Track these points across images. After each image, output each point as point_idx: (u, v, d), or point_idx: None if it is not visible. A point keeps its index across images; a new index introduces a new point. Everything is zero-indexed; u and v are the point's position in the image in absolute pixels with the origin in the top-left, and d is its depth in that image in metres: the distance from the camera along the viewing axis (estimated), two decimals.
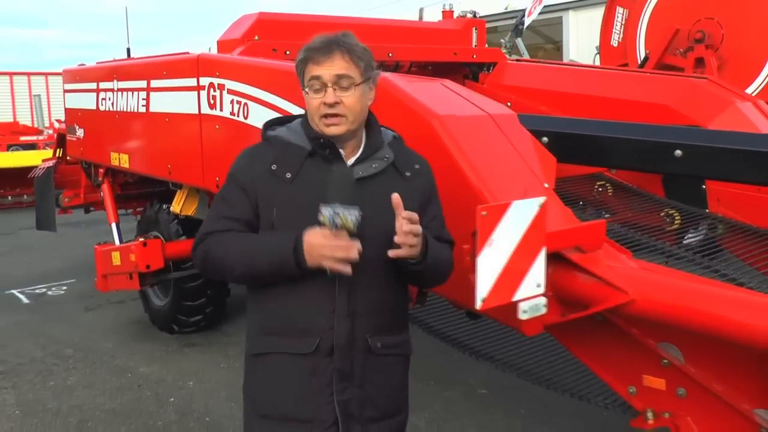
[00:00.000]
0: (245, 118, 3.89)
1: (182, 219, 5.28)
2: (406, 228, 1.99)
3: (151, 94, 4.94)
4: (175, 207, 5.16)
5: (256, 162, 2.20)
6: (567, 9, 13.95)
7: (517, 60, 6.01)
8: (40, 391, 4.83)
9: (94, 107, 5.83)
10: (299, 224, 2.05)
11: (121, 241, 5.70)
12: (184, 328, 5.76)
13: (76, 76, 6.30)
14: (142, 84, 5.04)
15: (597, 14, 9.23)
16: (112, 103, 5.51)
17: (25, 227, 9.91)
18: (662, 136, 2.95)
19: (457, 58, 5.39)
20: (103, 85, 5.71)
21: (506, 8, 14.33)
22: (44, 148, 14.40)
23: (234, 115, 4.00)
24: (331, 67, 2.08)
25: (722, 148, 2.87)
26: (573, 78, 5.02)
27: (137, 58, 5.88)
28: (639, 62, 8.42)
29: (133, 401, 4.61)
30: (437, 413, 4.26)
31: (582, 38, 13.03)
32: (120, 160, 5.48)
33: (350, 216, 1.95)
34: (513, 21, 11.24)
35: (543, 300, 2.30)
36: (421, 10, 9.45)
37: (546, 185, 2.80)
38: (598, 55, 9.37)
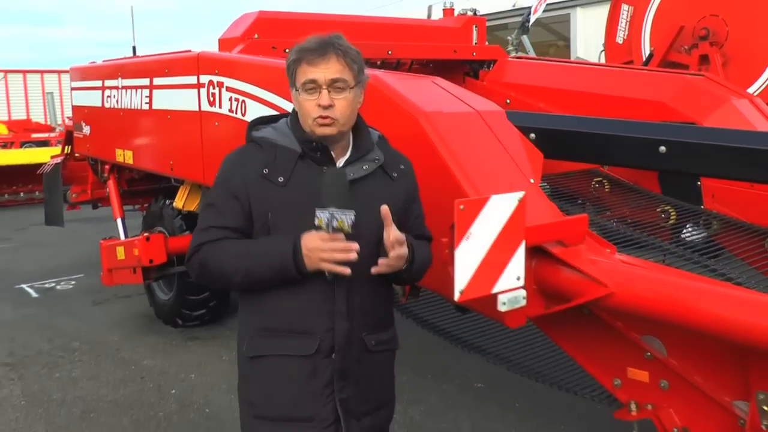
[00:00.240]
0: (243, 115, 3.97)
1: (185, 214, 5.37)
2: (394, 254, 2.06)
3: (154, 91, 5.02)
4: (178, 203, 5.26)
5: (246, 166, 2.17)
6: (575, 6, 13.93)
7: (518, 57, 6.04)
8: (45, 383, 4.93)
9: (100, 104, 5.93)
10: (295, 228, 2.07)
11: (126, 236, 5.80)
12: (188, 321, 5.84)
13: (82, 74, 6.41)
14: (146, 82, 5.12)
15: (604, 11, 9.22)
16: (117, 101, 5.60)
17: (36, 223, 10.04)
18: (646, 133, 2.99)
19: (456, 55, 5.44)
20: (108, 82, 5.81)
21: (514, 5, 14.33)
22: (56, 145, 14.54)
23: (232, 112, 4.08)
24: (326, 70, 2.08)
25: (706, 144, 2.90)
26: (571, 75, 5.05)
27: (141, 56, 5.97)
28: (644, 59, 8.43)
29: (136, 392, 4.71)
30: (433, 406, 4.32)
31: (589, 35, 13.01)
32: (125, 156, 5.57)
33: (346, 218, 1.98)
34: (521, 18, 11.25)
35: (522, 292, 2.35)
36: (429, 8, 9.49)
37: (532, 181, 2.85)
38: (603, 53, 9.39)
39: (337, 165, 2.17)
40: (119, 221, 5.98)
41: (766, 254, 3.51)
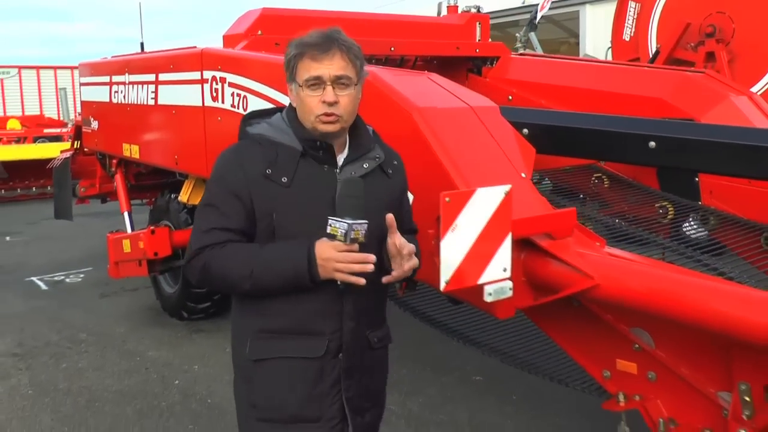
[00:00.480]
0: (245, 110, 4.03)
1: (190, 208, 5.45)
2: (409, 266, 2.08)
3: (160, 87, 5.10)
4: (183, 197, 5.33)
5: (246, 165, 2.10)
6: (584, 3, 13.92)
7: (521, 54, 6.08)
8: (52, 373, 5.03)
9: (108, 100, 6.02)
10: (299, 229, 2.05)
11: (132, 230, 5.89)
12: (193, 314, 5.92)
13: (91, 69, 6.50)
14: (151, 77, 5.20)
15: (613, 8, 9.24)
16: (124, 96, 5.69)
17: (48, 218, 10.14)
18: (636, 128, 3.03)
19: (459, 52, 5.48)
20: (116, 78, 5.89)
21: (523, 2, 14.34)
22: (69, 140, 14.70)
23: (234, 107, 4.14)
24: (330, 66, 2.04)
25: (695, 139, 2.94)
26: (573, 72, 5.08)
27: (147, 52, 6.06)
28: (650, 56, 8.44)
29: (140, 383, 4.79)
30: (431, 398, 4.38)
31: (599, 32, 13.00)
32: (131, 151, 5.66)
33: (362, 229, 1.95)
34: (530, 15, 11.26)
35: (509, 283, 2.39)
36: (439, 5, 9.52)
37: (523, 175, 2.89)
38: (610, 50, 9.40)
39: (338, 162, 2.14)
40: (126, 215, 6.07)
41: (762, 250, 3.54)
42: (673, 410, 2.70)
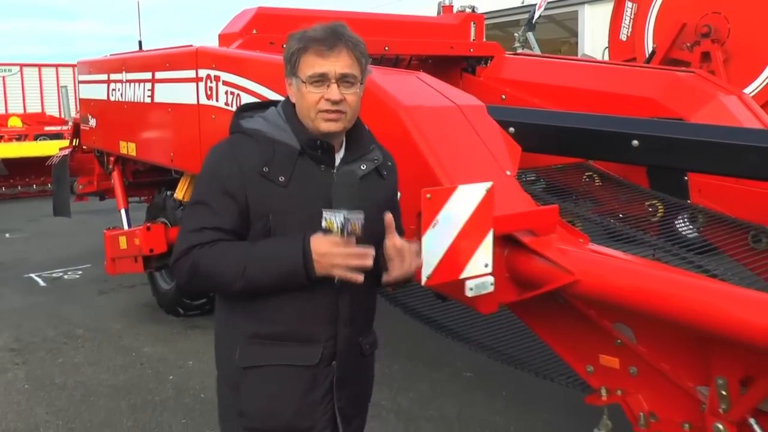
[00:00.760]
0: None
1: (186, 205, 5.50)
2: (414, 265, 2.04)
3: (156, 85, 5.15)
4: (179, 194, 5.39)
5: (241, 162, 1.99)
6: (583, 3, 13.96)
7: (515, 54, 6.12)
8: (49, 368, 5.09)
9: (105, 98, 6.08)
10: (297, 230, 1.95)
11: (129, 227, 5.94)
12: (189, 311, 5.98)
13: (89, 67, 6.55)
14: (148, 75, 5.26)
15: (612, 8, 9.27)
16: (121, 94, 5.74)
17: (48, 215, 10.18)
18: (620, 127, 3.08)
19: (453, 51, 5.52)
20: (113, 76, 5.95)
21: (522, 2, 14.38)
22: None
23: (228, 105, 4.19)
24: (336, 63, 1.95)
25: (677, 138, 2.98)
26: (566, 72, 5.12)
27: (144, 51, 6.11)
28: (647, 56, 8.48)
29: (135, 378, 4.85)
30: (422, 393, 4.43)
31: (597, 32, 13.03)
32: (128, 148, 5.71)
33: (359, 221, 1.87)
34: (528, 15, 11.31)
35: (490, 279, 2.44)
36: (439, 5, 9.56)
37: (508, 173, 2.94)
38: (607, 49, 9.43)
39: (335, 162, 2.07)
40: (123, 212, 6.13)
41: (748, 248, 3.59)
42: (653, 404, 2.74)
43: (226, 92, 4.21)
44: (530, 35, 10.35)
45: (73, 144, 7.42)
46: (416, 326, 4.11)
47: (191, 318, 5.98)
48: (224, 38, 4.76)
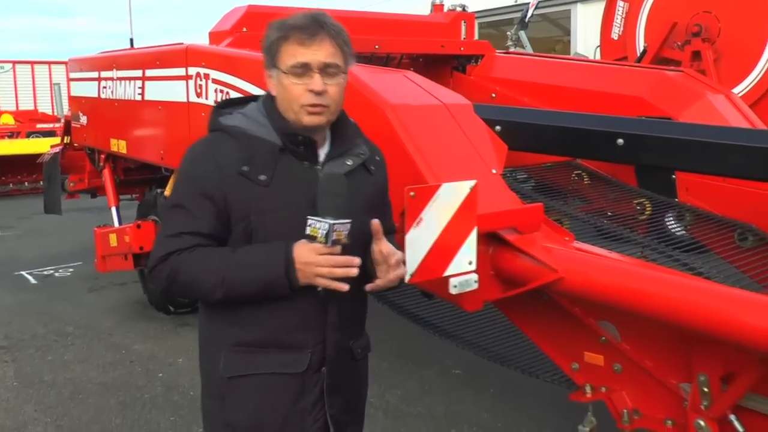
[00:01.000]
0: None
1: None
2: (394, 275, 1.96)
3: (146, 83, 5.16)
4: (169, 191, 5.39)
5: (219, 161, 1.90)
6: (576, 2, 13.99)
7: (505, 53, 6.13)
8: (38, 365, 5.09)
9: (96, 95, 6.07)
10: (280, 231, 1.88)
11: (120, 224, 5.94)
12: (180, 308, 5.98)
13: (80, 65, 6.55)
14: (138, 73, 5.26)
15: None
16: (112, 91, 5.75)
17: (39, 212, 10.18)
18: (605, 126, 3.10)
19: (444, 50, 5.53)
20: (104, 74, 5.95)
21: (515, 1, 14.41)
22: None
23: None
24: (318, 52, 1.87)
25: (662, 137, 3.00)
26: (556, 71, 5.15)
27: (135, 48, 6.11)
28: (638, 55, 8.51)
29: (124, 375, 4.86)
30: (410, 391, 4.45)
31: (590, 31, 13.06)
32: (119, 146, 5.72)
33: (345, 230, 1.79)
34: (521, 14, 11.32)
35: (474, 276, 2.45)
36: (432, 3, 9.58)
37: (494, 171, 2.95)
38: (599, 48, 9.46)
39: (319, 158, 1.99)
40: (113, 209, 6.14)
41: (735, 246, 3.61)
42: (637, 401, 2.76)
43: (216, 90, 4.21)
44: (522, 34, 10.36)
45: (65, 141, 7.42)
46: (406, 324, 4.12)
47: (181, 315, 5.98)
48: (214, 36, 4.77)
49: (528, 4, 10.87)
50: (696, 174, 3.79)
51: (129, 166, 6.56)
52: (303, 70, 1.88)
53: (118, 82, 5.64)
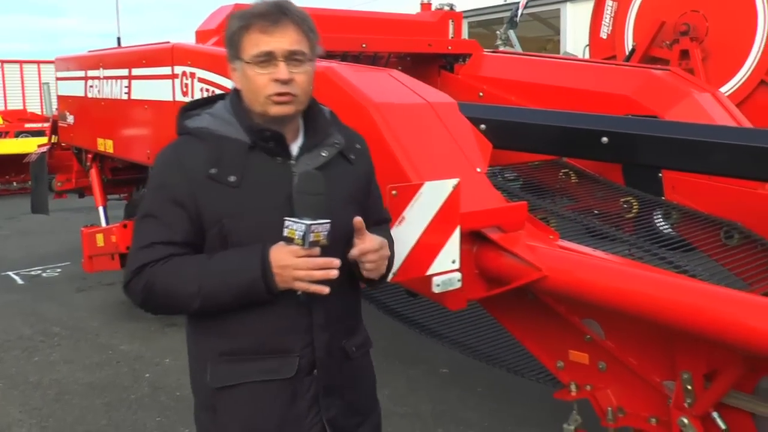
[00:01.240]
0: None
1: None
2: (370, 266, 1.87)
3: (133, 82, 5.13)
4: None
5: (187, 166, 1.82)
6: (565, 1, 14.02)
7: (493, 52, 6.13)
8: (24, 366, 5.06)
9: (83, 94, 6.04)
10: (254, 234, 1.80)
11: (107, 224, 5.91)
12: None
13: (67, 64, 6.51)
14: (125, 72, 5.23)
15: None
16: (99, 91, 5.71)
17: (28, 212, 10.15)
18: (589, 124, 3.10)
19: (432, 49, 5.53)
20: (90, 73, 5.91)
21: (505, 0, 14.43)
22: None
23: None
24: (282, 39, 1.79)
25: (646, 135, 3.01)
26: (543, 69, 5.14)
27: (122, 47, 6.08)
28: (626, 54, 8.53)
29: (111, 376, 4.83)
30: (397, 390, 4.44)
31: (579, 30, 13.10)
32: (106, 145, 5.68)
33: (323, 230, 1.71)
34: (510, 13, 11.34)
35: (457, 275, 2.46)
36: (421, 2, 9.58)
37: (478, 170, 2.95)
38: (587, 47, 9.48)
39: (292, 152, 1.90)
40: (101, 209, 6.11)
41: (721, 244, 3.62)
42: (621, 399, 2.77)
43: (202, 89, 4.19)
44: (512, 33, 10.38)
45: (52, 141, 7.37)
46: (393, 322, 4.12)
47: (169, 316, 5.95)
48: (201, 35, 4.75)
49: (517, 3, 10.88)
50: (682, 172, 3.81)
51: (116, 165, 6.52)
52: (267, 58, 1.80)
53: (104, 81, 5.61)
